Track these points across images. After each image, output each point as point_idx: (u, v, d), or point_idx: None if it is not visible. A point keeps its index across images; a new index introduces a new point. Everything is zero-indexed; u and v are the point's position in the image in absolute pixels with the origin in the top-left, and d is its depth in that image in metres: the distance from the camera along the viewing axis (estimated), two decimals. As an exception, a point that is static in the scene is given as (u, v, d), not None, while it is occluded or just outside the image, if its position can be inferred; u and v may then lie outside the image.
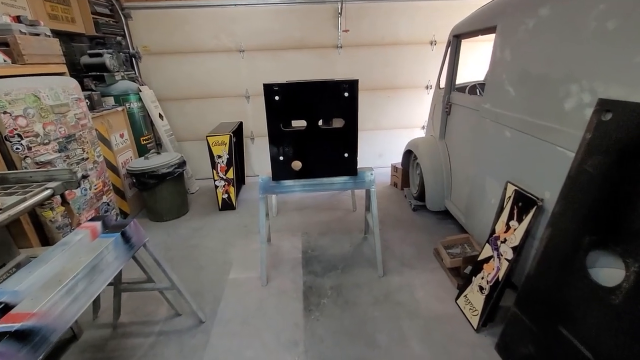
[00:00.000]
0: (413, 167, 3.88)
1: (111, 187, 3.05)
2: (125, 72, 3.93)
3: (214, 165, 3.63)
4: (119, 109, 3.57)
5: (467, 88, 3.25)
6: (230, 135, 3.55)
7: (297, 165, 2.36)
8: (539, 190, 1.75)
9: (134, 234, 1.81)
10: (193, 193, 4.42)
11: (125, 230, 1.74)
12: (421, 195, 3.54)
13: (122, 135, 3.62)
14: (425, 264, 2.71)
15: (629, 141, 1.26)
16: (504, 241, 1.91)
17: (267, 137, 2.26)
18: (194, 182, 4.54)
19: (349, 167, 2.39)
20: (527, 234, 1.77)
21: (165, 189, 3.49)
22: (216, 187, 3.73)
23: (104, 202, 2.90)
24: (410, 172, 3.99)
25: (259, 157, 4.97)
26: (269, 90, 2.11)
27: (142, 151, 3.96)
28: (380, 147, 5.15)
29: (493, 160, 2.23)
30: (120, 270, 2.09)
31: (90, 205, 2.70)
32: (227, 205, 3.83)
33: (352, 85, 2.14)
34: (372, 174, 2.46)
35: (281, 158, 2.30)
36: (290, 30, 4.39)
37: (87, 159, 2.69)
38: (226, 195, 3.78)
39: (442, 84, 3.43)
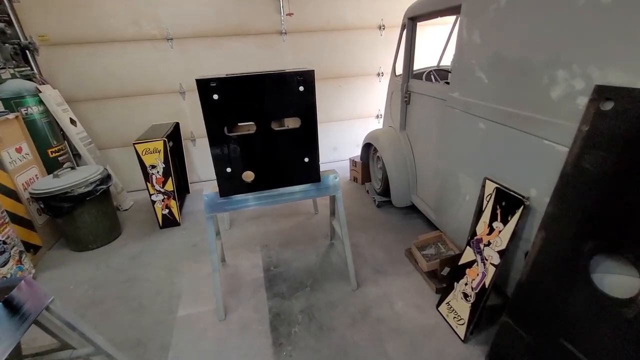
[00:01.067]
0: (374, 160, 3.67)
1: (6, 219, 2.37)
2: (16, 69, 3.11)
3: (147, 177, 3.05)
4: (10, 116, 2.80)
5: (424, 75, 3.07)
6: (165, 140, 2.99)
7: (248, 176, 1.96)
8: (524, 188, 1.60)
9: (27, 297, 1.30)
10: (127, 210, 3.76)
11: (10, 297, 1.23)
12: (385, 191, 3.36)
13: (19, 150, 2.86)
14: (399, 268, 2.52)
15: (635, 133, 1.10)
16: (488, 244, 1.74)
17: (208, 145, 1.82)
18: (126, 196, 3.87)
19: (311, 173, 2.06)
20: (514, 236, 1.61)
21: (87, 211, 2.85)
22: (153, 202, 3.16)
23: (-4, 242, 2.23)
24: (370, 166, 3.78)
25: (203, 160, 4.41)
26: (205, 87, 1.68)
27: (52, 166, 3.21)
28: (335, 140, 4.89)
29: (465, 154, 2.05)
30: (19, 341, 1.58)
31: (-27, 250, 2.03)
32: (170, 222, 3.29)
33: (307, 78, 1.80)
34: (336, 177, 2.16)
35: (228, 170, 1.89)
36: (227, 15, 3.85)
37: (-39, 189, 2.00)
38: (167, 211, 3.23)
39: (399, 72, 3.23)
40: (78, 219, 2.83)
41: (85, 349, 1.58)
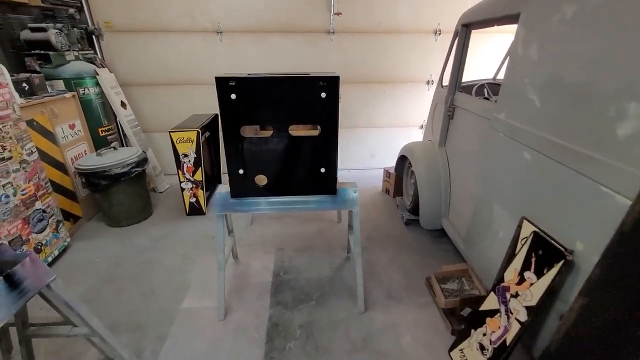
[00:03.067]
0: (407, 174, 3.43)
1: (49, 190, 2.57)
2: (80, 52, 3.39)
3: (179, 165, 3.15)
4: (68, 95, 3.05)
5: (475, 88, 2.77)
6: (199, 131, 3.06)
7: (261, 179, 1.90)
8: (568, 238, 1.32)
9: (28, 274, 1.36)
10: (162, 192, 3.95)
11: (12, 272, 1.29)
12: (415, 208, 3.11)
13: (72, 127, 3.12)
14: (415, 297, 2.30)
15: None
16: (516, 295, 1.49)
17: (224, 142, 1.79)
18: (163, 179, 4.06)
19: (326, 185, 1.94)
20: (549, 293, 1.34)
21: (122, 191, 3.02)
22: (182, 189, 3.27)
23: (37, 210, 2.43)
24: (404, 180, 3.55)
25: (238, 152, 4.47)
26: (223, 85, 1.63)
27: (100, 144, 3.47)
28: (373, 147, 4.69)
29: (504, 184, 1.79)
30: (26, 310, 1.68)
31: (14, 215, 2.23)
32: (196, 210, 3.38)
33: (331, 84, 1.67)
34: (355, 192, 2.01)
35: (241, 171, 1.84)
36: (277, 11, 3.84)
37: (10, 158, 2.20)
38: (194, 199, 3.32)
39: (446, 82, 2.97)
40: (113, 196, 3.00)
41: (83, 329, 1.63)
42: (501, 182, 1.81)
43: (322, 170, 1.87)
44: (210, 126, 3.58)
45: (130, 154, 3.06)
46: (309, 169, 1.88)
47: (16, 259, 1.35)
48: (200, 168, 3.19)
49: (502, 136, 1.80)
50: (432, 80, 4.35)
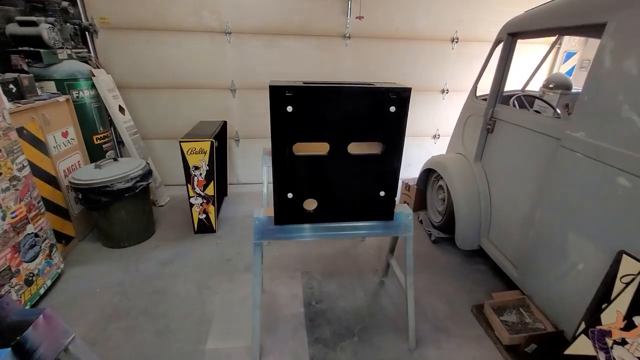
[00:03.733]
0: (433, 189, 3.25)
1: (42, 209, 2.20)
2: (73, 50, 3.01)
3: (189, 178, 2.83)
4: (61, 98, 2.67)
5: (512, 99, 2.63)
6: (212, 141, 2.76)
7: (310, 204, 1.65)
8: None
9: (44, 338, 1.05)
10: (162, 206, 3.59)
11: (23, 339, 0.98)
12: (445, 226, 2.94)
13: (65, 134, 2.73)
14: (464, 329, 2.10)
15: None
16: (622, 343, 1.30)
17: (271, 163, 1.52)
18: (164, 191, 3.70)
19: (384, 210, 1.71)
20: (672, 344, 1.17)
21: (124, 208, 2.66)
22: (191, 205, 2.94)
23: (28, 234, 2.06)
24: (428, 195, 3.37)
25: (244, 161, 4.18)
26: (278, 95, 1.37)
27: (95, 154, 3.09)
28: (386, 157, 4.49)
29: (587, 211, 1.62)
30: None
31: (3, 242, 1.86)
32: (205, 228, 3.06)
33: (403, 96, 1.45)
34: (409, 215, 1.79)
35: (290, 195, 1.58)
36: (289, 12, 3.60)
37: (-1, 176, 1.84)
38: (204, 216, 3.00)
39: (480, 93, 2.83)
40: (114, 214, 2.65)
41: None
42: (581, 209, 1.64)
43: (382, 193, 1.64)
44: (219, 135, 3.27)
45: (134, 166, 2.72)
46: (366, 191, 1.64)
47: (26, 318, 1.04)
48: (212, 182, 2.88)
49: (581, 157, 1.63)
50: (447, 90, 4.23)
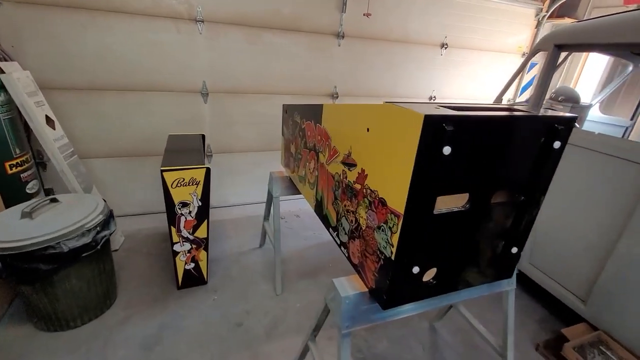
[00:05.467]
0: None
1: None
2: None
3: (173, 219, 2.05)
4: (-49, 110, 1.65)
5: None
6: (208, 168, 2.03)
7: (430, 274, 1.17)
8: None
9: None
10: (116, 250, 2.65)
11: None
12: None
13: (-40, 166, 1.71)
14: (543, 376, 1.88)
15: None
16: None
17: (402, 223, 1.01)
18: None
19: (509, 268, 1.33)
20: None
21: (75, 274, 1.79)
22: (175, 253, 2.16)
23: None
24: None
25: (221, 181, 3.41)
26: (433, 131, 0.87)
27: (10, 191, 2.07)
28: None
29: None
30: None
31: None
32: (193, 280, 2.30)
33: (567, 128, 1.08)
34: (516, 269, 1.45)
35: (416, 270, 1.08)
36: (279, 2, 2.97)
37: None
38: (191, 265, 2.25)
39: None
40: (59, 286, 1.75)
41: None
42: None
43: (514, 250, 1.26)
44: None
45: (88, 210, 1.85)
46: (497, 249, 1.24)
47: None
48: (206, 220, 2.15)
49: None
50: (435, 97, 4.08)
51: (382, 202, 1.08)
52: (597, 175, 1.94)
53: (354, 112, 1.27)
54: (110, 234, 1.92)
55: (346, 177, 1.35)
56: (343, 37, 3.33)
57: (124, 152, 2.94)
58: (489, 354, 1.98)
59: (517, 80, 4.49)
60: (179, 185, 1.98)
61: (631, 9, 1.88)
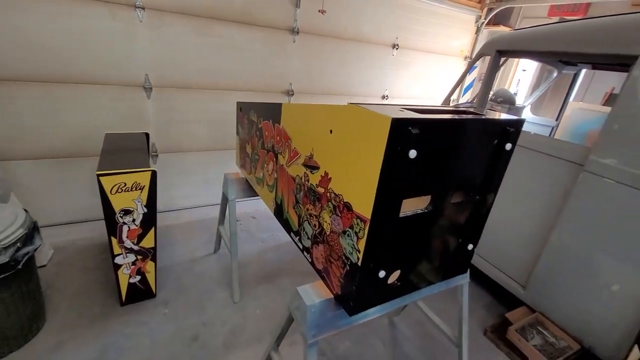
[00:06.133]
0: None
1: None
2: None
3: (113, 229, 1.84)
4: None
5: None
6: (154, 171, 1.85)
7: (394, 276, 1.18)
8: None
9: None
10: (44, 266, 2.31)
11: None
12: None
13: None
14: (487, 355, 2.02)
15: None
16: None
17: (369, 228, 0.99)
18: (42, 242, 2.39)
19: (464, 264, 1.39)
20: None
21: (-11, 298, 1.51)
22: (117, 266, 1.94)
23: None
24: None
25: (166, 182, 3.14)
26: (400, 134, 0.86)
27: None
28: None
29: (622, 235, 1.69)
30: None
31: None
32: (139, 294, 2.09)
33: (517, 131, 1.14)
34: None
35: (382, 274, 1.07)
36: (229, -8, 2.81)
37: None
38: (137, 278, 2.04)
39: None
40: (-32, 314, 1.47)
41: None
42: (615, 233, 1.70)
43: (470, 247, 1.31)
44: (144, 154, 2.28)
45: (7, 222, 1.57)
46: (455, 247, 1.28)
47: None
48: (153, 228, 1.96)
49: (611, 183, 1.69)
50: (387, 96, 4.20)
51: (348, 207, 1.05)
52: (532, 172, 2.12)
53: (316, 113, 1.23)
54: (35, 250, 1.65)
55: (308, 180, 1.30)
56: (298, 33, 3.26)
57: (53, 153, 2.58)
58: (445, 344, 2.09)
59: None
60: (119, 190, 1.77)
61: (554, 21, 2.08)
